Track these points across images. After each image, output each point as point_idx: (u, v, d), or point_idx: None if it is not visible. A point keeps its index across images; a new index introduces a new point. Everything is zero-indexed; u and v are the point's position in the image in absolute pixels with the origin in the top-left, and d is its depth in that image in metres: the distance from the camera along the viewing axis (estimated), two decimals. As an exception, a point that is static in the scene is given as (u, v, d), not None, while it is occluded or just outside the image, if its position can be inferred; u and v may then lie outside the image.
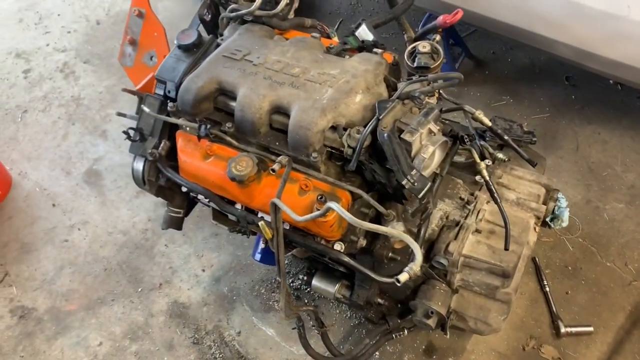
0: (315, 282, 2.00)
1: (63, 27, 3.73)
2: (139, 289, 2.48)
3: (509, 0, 1.99)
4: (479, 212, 1.79)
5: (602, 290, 2.21)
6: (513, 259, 1.71)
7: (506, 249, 1.63)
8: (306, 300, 2.35)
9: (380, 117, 1.47)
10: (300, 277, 2.36)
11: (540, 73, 2.97)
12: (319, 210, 1.46)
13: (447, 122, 1.88)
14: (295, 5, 2.00)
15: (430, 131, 1.49)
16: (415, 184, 1.43)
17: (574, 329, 2.11)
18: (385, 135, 1.45)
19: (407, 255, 1.71)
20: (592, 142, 2.65)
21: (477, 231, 1.75)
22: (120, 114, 2.93)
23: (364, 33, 1.80)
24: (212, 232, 2.61)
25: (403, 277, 1.27)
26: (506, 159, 1.85)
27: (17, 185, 2.93)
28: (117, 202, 2.80)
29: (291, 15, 2.01)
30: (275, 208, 1.50)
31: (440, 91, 1.87)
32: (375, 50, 1.74)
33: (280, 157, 1.54)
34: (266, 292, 2.40)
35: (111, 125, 3.13)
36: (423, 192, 1.43)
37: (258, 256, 2.09)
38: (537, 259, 2.30)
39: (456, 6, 2.18)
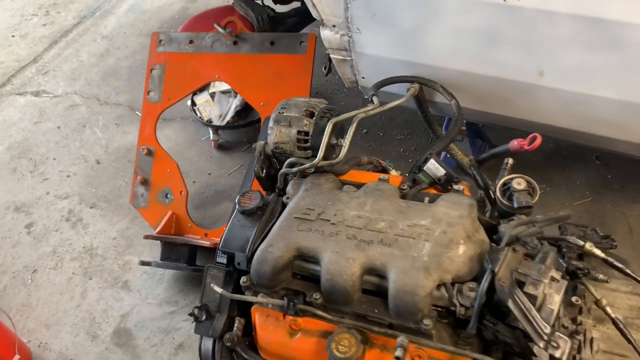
0: None
1: (61, 171, 3.56)
2: None
3: (563, 106, 1.92)
4: (592, 341, 1.63)
5: None
6: (648, 390, 1.54)
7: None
8: None
9: (496, 269, 1.33)
10: None
11: (569, 156, 2.92)
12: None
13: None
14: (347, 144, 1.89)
15: (553, 278, 1.36)
16: (555, 345, 1.27)
17: None
18: (507, 290, 1.31)
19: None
20: (645, 222, 2.57)
21: (598, 366, 1.59)
22: (144, 263, 2.75)
23: (434, 168, 1.69)
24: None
25: None
26: (607, 280, 1.72)
27: (38, 359, 2.65)
28: (154, 363, 2.55)
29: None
30: (394, 392, 1.31)
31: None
32: (456, 187, 1.63)
33: (400, 339, 1.36)
34: None
35: (132, 274, 2.91)
36: (565, 356, 1.27)
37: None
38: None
39: (501, 116, 2.13)
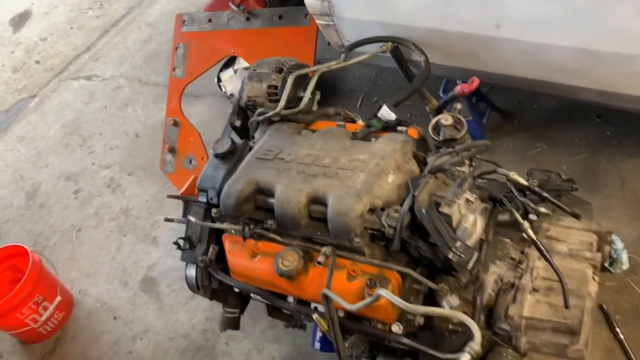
0: (379, 365, 1.97)
1: (105, 144, 3.98)
2: (206, 392, 2.49)
3: (522, 56, 2.03)
4: (532, 270, 1.75)
5: (682, 329, 2.10)
6: (577, 313, 1.65)
7: (566, 307, 1.58)
8: (373, 382, 2.29)
9: (416, 193, 1.50)
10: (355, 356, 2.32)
11: (570, 115, 2.96)
12: (370, 295, 1.48)
13: (484, 185, 1.89)
14: (318, 97, 2.09)
15: (468, 200, 1.51)
16: (462, 255, 1.43)
17: (659, 377, 1.99)
18: (424, 210, 1.48)
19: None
20: (638, 176, 2.59)
21: (535, 290, 1.71)
22: (167, 220, 3.06)
23: (386, 114, 1.86)
24: (269, 324, 2.62)
25: (465, 358, 1.25)
26: (550, 213, 1.83)
27: (78, 303, 3.04)
28: (174, 306, 2.87)
29: (315, 107, 2.10)
30: (327, 299, 1.52)
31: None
32: (399, 128, 1.80)
33: (324, 248, 1.57)
34: (332, 379, 2.37)
35: (160, 231, 3.25)
36: (471, 263, 1.43)
37: (318, 345, 2.08)
38: (604, 306, 2.21)
39: (471, 70, 2.26)
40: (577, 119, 2.92)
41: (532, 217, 1.90)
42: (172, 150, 3.36)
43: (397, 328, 1.64)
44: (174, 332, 2.76)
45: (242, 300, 2.05)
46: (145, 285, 3.01)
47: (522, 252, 1.83)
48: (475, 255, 1.43)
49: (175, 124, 3.38)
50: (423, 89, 2.40)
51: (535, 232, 1.88)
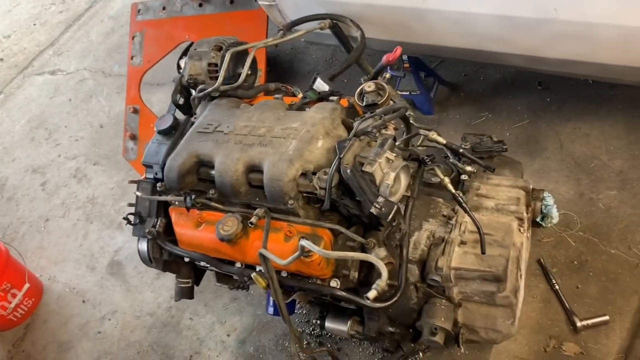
0: (328, 324, 2.08)
1: (71, 136, 4.03)
2: (172, 365, 2.59)
3: (450, 26, 2.13)
4: (461, 224, 1.87)
5: (612, 277, 2.23)
6: (501, 262, 1.77)
7: (483, 253, 1.70)
8: (329, 345, 2.41)
9: (341, 155, 1.61)
10: (313, 321, 2.44)
11: (513, 84, 3.08)
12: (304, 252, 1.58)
13: (414, 147, 2.01)
14: (260, 74, 2.19)
15: (388, 159, 1.62)
16: (383, 209, 1.54)
17: (590, 322, 2.13)
18: (349, 171, 1.58)
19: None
20: (575, 138, 2.72)
21: (463, 243, 1.83)
22: (131, 204, 3.15)
23: (321, 85, 1.96)
24: (231, 298, 2.73)
25: (372, 294, 1.37)
26: (474, 171, 1.95)
27: (48, 289, 3.12)
28: (140, 286, 2.96)
29: (258, 83, 2.19)
30: (264, 258, 1.62)
31: (411, 120, 2.02)
32: (331, 98, 1.90)
33: (257, 209, 1.67)
34: (290, 344, 2.48)
35: (125, 216, 3.32)
36: (391, 215, 1.54)
37: (271, 309, 2.18)
38: (542, 260, 2.34)
39: (406, 43, 2.36)
40: (519, 88, 3.05)
41: (464, 177, 2.03)
42: (133, 137, 3.43)
43: (335, 283, 1.75)
44: (140, 311, 2.85)
45: (195, 271, 2.14)
46: (112, 268, 3.09)
47: (453, 210, 1.95)
48: (395, 208, 1.54)
49: (135, 111, 3.46)
50: (364, 62, 2.50)
51: (467, 191, 2.02)
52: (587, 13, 1.87)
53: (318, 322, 2.43)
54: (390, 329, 1.98)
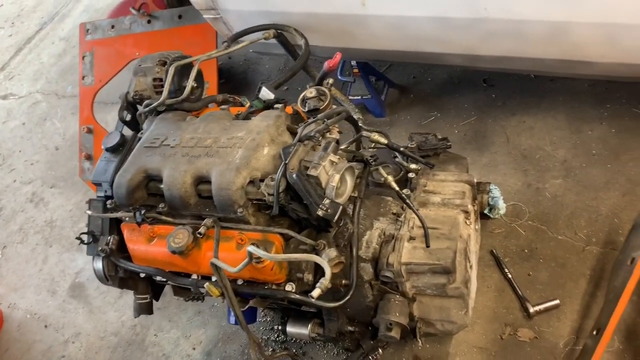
0: (289, 328, 2.10)
1: (26, 161, 3.97)
2: (138, 383, 2.57)
3: (390, 30, 2.20)
4: (409, 221, 1.93)
5: (560, 262, 2.32)
6: (449, 254, 1.82)
7: (427, 246, 1.76)
8: (294, 350, 2.44)
9: (287, 161, 1.64)
10: (277, 328, 2.47)
11: (460, 83, 3.18)
12: (256, 259, 1.61)
13: (365, 148, 2.06)
14: (207, 86, 2.21)
15: (332, 162, 1.66)
16: (329, 210, 1.58)
17: (542, 307, 2.20)
18: (294, 175, 1.62)
19: (359, 278, 1.83)
20: (520, 131, 2.82)
21: (412, 238, 1.88)
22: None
23: (266, 94, 2.00)
24: (195, 311, 2.73)
25: (316, 292, 1.40)
26: (419, 168, 2.01)
27: (8, 317, 3.06)
28: (103, 307, 2.93)
29: (206, 95, 2.22)
30: (216, 268, 1.64)
31: (360, 123, 2.07)
32: (276, 106, 1.94)
33: (206, 220, 1.69)
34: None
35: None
36: (337, 215, 1.58)
37: (232, 319, 2.20)
38: (494, 251, 2.41)
39: (350, 49, 2.42)
40: (466, 87, 3.14)
41: (411, 175, 2.09)
42: (89, 157, 3.40)
43: (290, 287, 1.78)
44: (104, 331, 2.82)
45: (153, 286, 2.14)
46: (73, 291, 3.06)
47: (402, 207, 2.01)
48: (340, 208, 1.58)
49: (90, 131, 3.43)
50: (312, 70, 2.55)
51: (414, 188, 2.08)
52: (515, 11, 1.96)
53: (278, 327, 2.45)
54: (350, 328, 2.02)
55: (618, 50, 1.97)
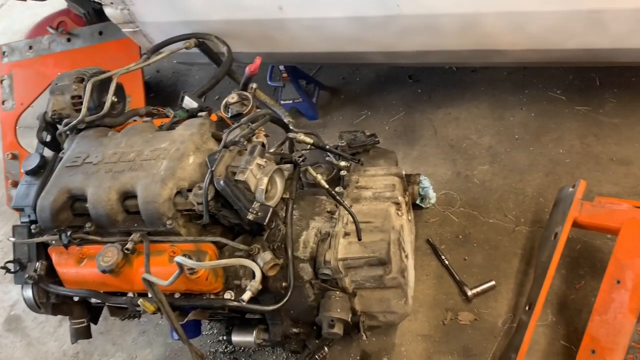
0: (234, 337, 2.08)
1: (-52, 195, 3.76)
2: (85, 412, 2.48)
3: (310, 33, 2.23)
4: (343, 217, 1.95)
5: (493, 245, 2.40)
6: (383, 246, 1.86)
7: (359, 239, 1.79)
8: (243, 359, 2.42)
9: (213, 168, 1.63)
10: (223, 339, 2.44)
11: (387, 81, 3.25)
12: (189, 269, 1.59)
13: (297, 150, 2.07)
14: (129, 100, 2.17)
15: (260, 165, 1.66)
16: (259, 213, 1.58)
17: (479, 289, 2.27)
18: (222, 182, 1.61)
19: (299, 279, 1.84)
20: (446, 123, 2.91)
21: (347, 234, 1.90)
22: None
23: (189, 103, 1.98)
24: (139, 331, 2.66)
25: (246, 295, 1.40)
26: (349, 165, 2.05)
27: (-61, 361, 2.89)
28: (42, 337, 2.81)
29: (129, 109, 2.18)
30: (149, 283, 1.61)
31: (291, 126, 2.08)
32: (200, 114, 1.92)
33: (132, 235, 1.66)
34: (204, 366, 2.45)
35: (17, 268, 3.15)
36: (267, 218, 1.58)
37: (175, 334, 2.15)
38: (430, 239, 2.47)
39: (273, 53, 2.43)
40: (393, 84, 3.22)
41: (343, 172, 2.12)
42: (15, 184, 3.26)
43: (229, 295, 1.76)
44: (45, 363, 2.71)
45: (89, 309, 2.08)
46: (9, 324, 2.92)
47: (336, 205, 2.03)
48: (270, 211, 1.58)
49: (15, 157, 3.29)
50: (238, 76, 2.55)
51: (347, 185, 2.11)
52: (426, 5, 2.02)
53: (225, 338, 2.42)
54: (295, 330, 2.02)
55: (525, 37, 2.07)
